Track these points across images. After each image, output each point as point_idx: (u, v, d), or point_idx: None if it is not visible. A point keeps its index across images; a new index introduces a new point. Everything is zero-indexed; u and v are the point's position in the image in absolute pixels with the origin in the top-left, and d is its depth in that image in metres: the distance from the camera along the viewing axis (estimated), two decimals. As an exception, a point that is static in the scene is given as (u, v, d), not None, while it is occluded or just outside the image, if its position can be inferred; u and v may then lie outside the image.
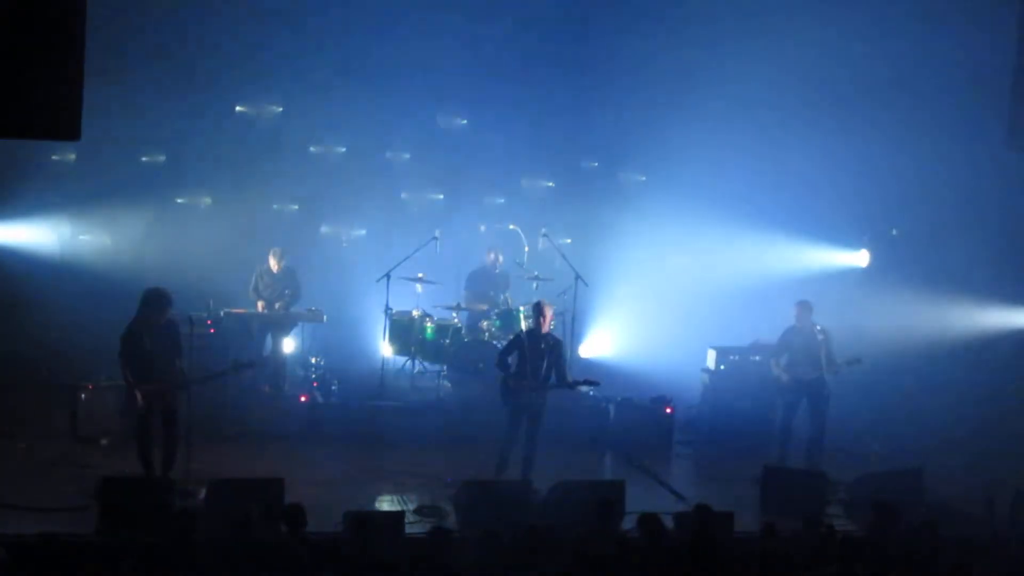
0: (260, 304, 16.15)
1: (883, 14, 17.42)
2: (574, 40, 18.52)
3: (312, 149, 18.98)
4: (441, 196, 19.65)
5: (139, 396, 12.18)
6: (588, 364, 17.99)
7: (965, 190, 17.22)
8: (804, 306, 14.62)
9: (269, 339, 16.08)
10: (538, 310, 13.36)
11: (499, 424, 13.41)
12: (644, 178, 20.27)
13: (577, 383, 13.54)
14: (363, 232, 19.41)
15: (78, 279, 16.94)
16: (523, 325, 15.67)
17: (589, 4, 18.52)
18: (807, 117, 18.05)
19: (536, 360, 13.12)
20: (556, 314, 16.43)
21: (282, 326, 16.14)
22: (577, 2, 18.50)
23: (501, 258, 17.23)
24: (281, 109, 18.58)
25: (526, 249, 17.16)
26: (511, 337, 14.16)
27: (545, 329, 13.25)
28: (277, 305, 16.17)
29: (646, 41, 18.19)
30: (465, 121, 19.44)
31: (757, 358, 16.49)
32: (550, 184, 20.02)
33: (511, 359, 13.24)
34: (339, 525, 10.93)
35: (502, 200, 19.74)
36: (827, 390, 14.41)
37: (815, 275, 18.48)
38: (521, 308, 16.31)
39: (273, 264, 16.26)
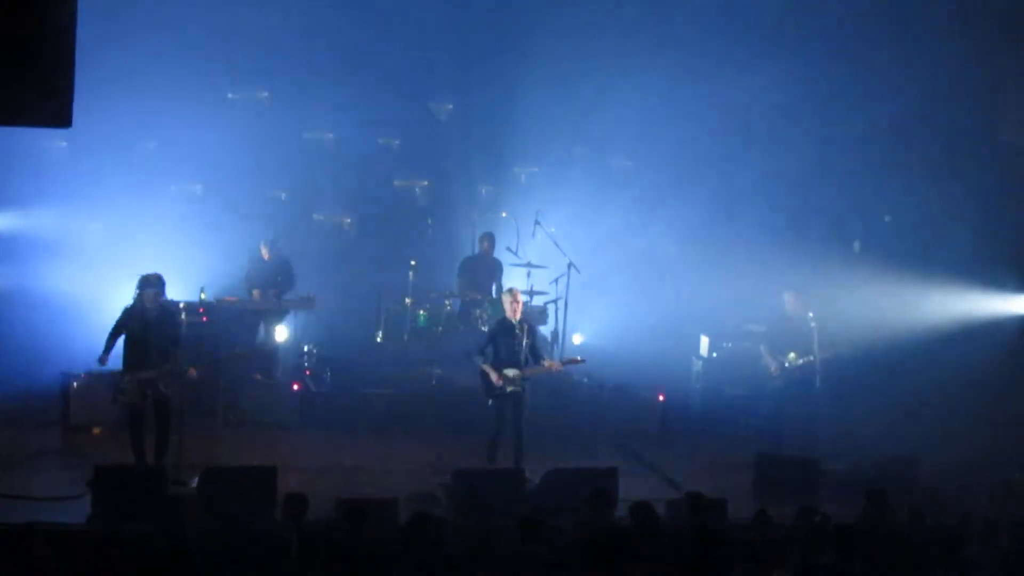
0: (256, 292, 16.11)
1: (873, 10, 17.46)
2: (562, 26, 18.46)
3: (303, 136, 18.94)
4: (433, 183, 19.62)
5: (132, 383, 12.15)
6: (581, 351, 17.98)
7: (956, 179, 17.23)
8: (795, 294, 14.67)
9: (262, 327, 16.05)
10: (507, 297, 13.40)
11: (490, 412, 13.41)
12: (635, 164, 20.24)
13: (562, 364, 13.55)
14: (354, 219, 19.38)
15: (70, 267, 16.87)
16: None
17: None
18: (798, 104, 18.05)
19: (512, 347, 13.14)
20: (549, 301, 16.54)
21: (275, 314, 16.11)
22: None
23: (493, 245, 17.20)
24: (271, 96, 18.52)
25: (518, 236, 17.13)
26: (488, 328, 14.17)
27: (516, 316, 13.27)
28: (271, 293, 16.13)
29: (635, 28, 18.15)
30: (455, 107, 19.41)
31: (749, 345, 16.51)
32: (542, 171, 19.99)
33: (489, 349, 13.27)
34: (332, 513, 10.91)
35: (494, 187, 19.72)
36: (817, 377, 14.43)
37: (807, 261, 18.48)
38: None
39: (264, 253, 16.23)
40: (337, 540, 9.64)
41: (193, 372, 12.35)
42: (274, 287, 16.15)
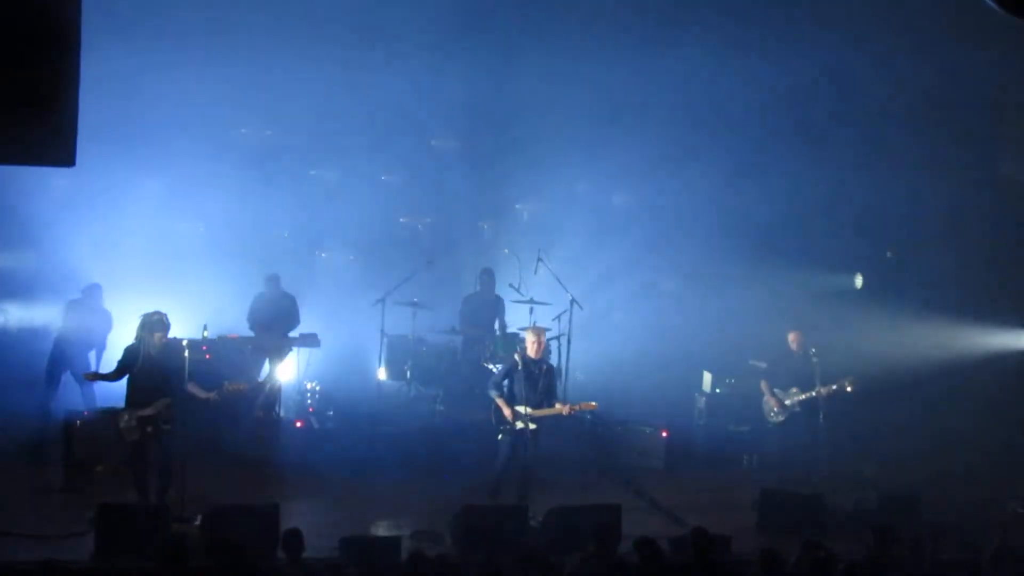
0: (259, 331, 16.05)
1: (871, 43, 17.54)
2: (564, 63, 18.55)
3: (307, 174, 19.00)
4: (436, 220, 19.67)
5: (132, 420, 12.13)
6: (584, 387, 17.95)
7: (957, 213, 17.29)
8: (798, 332, 14.71)
9: (265, 364, 16.03)
10: (530, 335, 13.37)
11: (494, 448, 13.37)
12: (638, 200, 20.30)
13: (573, 408, 13.48)
14: (358, 256, 19.41)
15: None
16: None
17: (582, 30, 18.53)
18: (801, 139, 18.11)
19: (529, 386, 13.12)
20: (552, 337, 16.49)
21: (278, 351, 16.09)
22: (568, 27, 18.51)
23: (494, 282, 17.20)
24: (276, 134, 18.60)
25: (520, 273, 17.14)
26: (503, 363, 14.14)
27: (537, 355, 13.25)
28: (275, 330, 16.06)
29: (638, 64, 18.23)
30: (459, 145, 19.49)
31: (753, 381, 16.49)
32: (544, 207, 20.04)
33: (505, 384, 13.26)
34: (335, 550, 10.90)
35: (497, 224, 19.76)
36: (821, 413, 14.44)
37: (810, 297, 18.50)
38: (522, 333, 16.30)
39: (268, 290, 16.23)
40: (340, 577, 9.63)
41: (214, 395, 12.39)
42: (278, 325, 16.12)
